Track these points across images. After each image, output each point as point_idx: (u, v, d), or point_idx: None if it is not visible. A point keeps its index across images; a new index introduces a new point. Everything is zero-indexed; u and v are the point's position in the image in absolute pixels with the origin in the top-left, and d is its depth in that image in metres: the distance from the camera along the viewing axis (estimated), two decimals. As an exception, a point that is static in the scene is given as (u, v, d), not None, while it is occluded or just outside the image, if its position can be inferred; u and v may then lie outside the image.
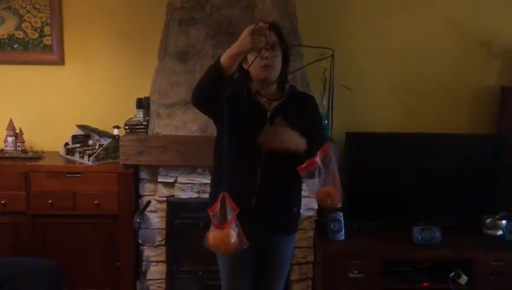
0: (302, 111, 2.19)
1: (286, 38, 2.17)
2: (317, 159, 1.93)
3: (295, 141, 2.06)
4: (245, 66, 2.13)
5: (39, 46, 3.36)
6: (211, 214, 1.91)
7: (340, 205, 1.94)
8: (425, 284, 3.05)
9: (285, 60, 2.17)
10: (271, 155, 2.09)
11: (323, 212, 3.14)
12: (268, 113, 2.13)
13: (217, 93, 1.92)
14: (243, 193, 2.12)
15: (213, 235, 1.89)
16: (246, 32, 1.81)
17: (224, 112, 2.02)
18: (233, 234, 1.86)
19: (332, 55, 2.90)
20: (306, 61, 3.08)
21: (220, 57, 1.88)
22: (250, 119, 2.11)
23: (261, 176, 2.11)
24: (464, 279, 3.02)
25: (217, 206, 1.89)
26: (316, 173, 1.92)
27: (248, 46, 1.81)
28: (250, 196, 2.12)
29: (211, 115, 2.16)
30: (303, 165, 1.95)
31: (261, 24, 1.79)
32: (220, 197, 1.92)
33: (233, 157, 2.09)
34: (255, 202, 2.12)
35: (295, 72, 3.00)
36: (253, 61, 2.01)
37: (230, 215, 1.88)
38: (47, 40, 3.36)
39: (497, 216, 3.20)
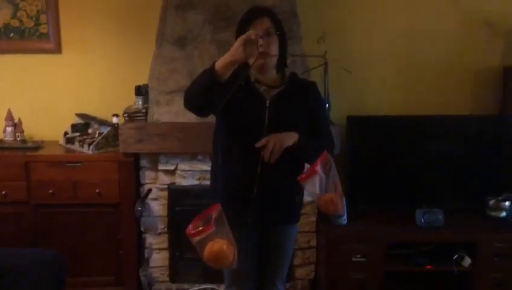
0: (302, 99, 2.14)
1: (281, 24, 2.11)
2: (318, 167, 1.89)
3: (290, 136, 2.02)
4: None
5: (35, 35, 3.32)
6: (195, 223, 1.74)
7: (342, 212, 1.91)
8: (428, 266, 3.04)
9: (282, 46, 2.12)
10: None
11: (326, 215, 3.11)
12: (268, 101, 2.08)
13: (210, 99, 1.91)
14: (244, 183, 2.11)
15: (207, 250, 1.76)
16: (239, 42, 1.83)
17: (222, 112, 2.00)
18: (224, 245, 1.73)
19: (326, 63, 2.94)
20: (305, 44, 3.06)
21: (214, 63, 1.88)
22: (249, 109, 2.07)
23: (262, 165, 2.07)
24: (467, 261, 3.02)
25: (208, 215, 1.75)
26: (317, 181, 1.89)
27: (241, 56, 1.83)
28: (252, 186, 2.10)
29: (204, 116, 2.12)
30: (303, 175, 1.92)
31: (252, 35, 1.83)
32: (213, 209, 1.77)
33: (233, 148, 2.07)
34: (256, 192, 2.10)
35: (295, 56, 2.99)
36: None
37: (210, 224, 1.74)
38: (43, 28, 3.32)
39: (500, 198, 3.19)
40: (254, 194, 2.11)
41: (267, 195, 2.12)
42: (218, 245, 1.73)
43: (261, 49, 1.99)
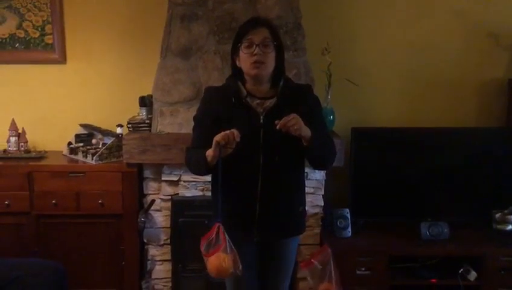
0: (297, 105, 2.05)
1: (279, 36, 2.09)
2: (315, 261, 2.05)
3: (306, 129, 1.97)
4: (238, 64, 2.09)
5: (40, 45, 3.34)
6: (202, 243, 1.95)
7: None
8: (433, 280, 3.01)
9: (279, 57, 2.08)
10: (269, 160, 2.04)
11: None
12: (262, 117, 2.04)
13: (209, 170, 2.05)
14: (246, 203, 2.09)
15: (209, 262, 1.94)
16: (214, 144, 1.92)
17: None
18: (225, 259, 1.91)
19: (330, 75, 3.04)
20: (309, 55, 3.06)
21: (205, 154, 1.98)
22: (243, 127, 1.96)
23: (262, 182, 2.06)
24: (473, 275, 2.99)
25: (211, 235, 1.93)
26: (315, 272, 2.06)
27: (218, 155, 1.93)
28: (254, 204, 2.08)
29: None
30: (302, 263, 2.10)
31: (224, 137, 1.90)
32: (214, 228, 1.93)
33: (231, 167, 2.00)
34: (259, 209, 2.09)
35: (299, 67, 2.99)
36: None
37: (219, 244, 1.93)
38: (48, 39, 3.33)
39: (506, 211, 3.16)
40: (257, 212, 2.09)
41: (270, 211, 2.10)
42: (218, 259, 1.91)
43: (255, 58, 1.99)
